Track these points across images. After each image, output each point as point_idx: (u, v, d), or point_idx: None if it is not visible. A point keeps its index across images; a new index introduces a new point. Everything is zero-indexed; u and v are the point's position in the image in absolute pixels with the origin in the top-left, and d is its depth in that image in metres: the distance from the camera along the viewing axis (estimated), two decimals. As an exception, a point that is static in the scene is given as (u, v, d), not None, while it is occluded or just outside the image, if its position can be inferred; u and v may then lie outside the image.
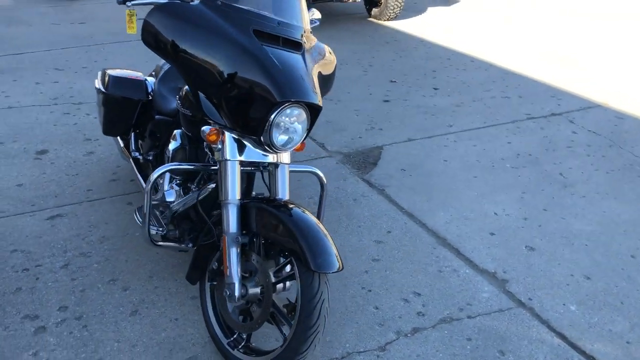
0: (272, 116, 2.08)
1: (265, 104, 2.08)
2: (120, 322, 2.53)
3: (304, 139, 2.26)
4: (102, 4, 8.81)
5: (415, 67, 6.14)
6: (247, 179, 2.51)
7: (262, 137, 2.13)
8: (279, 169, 2.33)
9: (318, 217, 2.71)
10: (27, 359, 2.32)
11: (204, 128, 2.18)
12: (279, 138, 2.16)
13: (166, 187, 2.74)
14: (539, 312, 2.67)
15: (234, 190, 2.19)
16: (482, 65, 6.27)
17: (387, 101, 5.19)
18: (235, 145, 2.21)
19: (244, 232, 2.22)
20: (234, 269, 2.15)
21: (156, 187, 2.72)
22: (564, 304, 2.73)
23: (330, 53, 2.59)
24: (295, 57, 2.21)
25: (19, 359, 2.32)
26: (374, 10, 8.15)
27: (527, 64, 6.30)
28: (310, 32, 2.50)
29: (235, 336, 2.33)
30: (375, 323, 2.57)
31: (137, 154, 3.16)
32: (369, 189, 3.69)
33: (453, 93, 5.41)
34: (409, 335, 2.51)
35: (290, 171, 2.54)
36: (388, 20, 8.00)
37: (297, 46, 2.27)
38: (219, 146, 2.21)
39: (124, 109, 3.16)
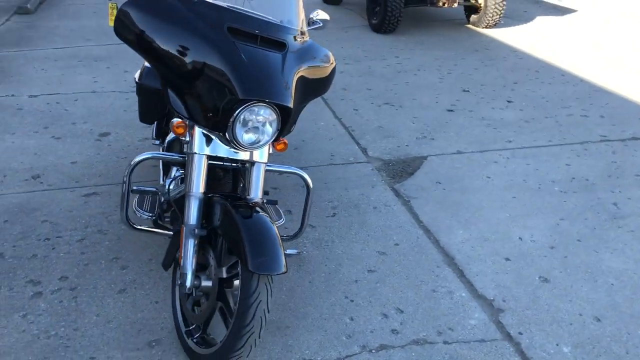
0: (235, 113, 2.11)
1: (229, 100, 2.11)
2: (106, 298, 2.69)
3: (274, 139, 2.26)
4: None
5: (497, 78, 5.84)
6: (234, 175, 2.56)
7: (226, 134, 2.17)
8: (254, 167, 2.35)
9: (302, 222, 2.70)
10: (16, 319, 2.55)
11: (172, 120, 2.26)
12: (246, 136, 2.18)
13: (172, 175, 2.86)
14: (524, 349, 2.46)
15: (198, 183, 2.25)
16: (572, 79, 5.83)
17: (450, 111, 5.00)
18: (204, 139, 2.26)
19: (205, 225, 2.27)
20: (188, 260, 2.21)
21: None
22: (557, 344, 2.49)
23: (326, 56, 2.56)
24: (271, 57, 2.22)
25: (9, 318, 2.55)
26: (473, 17, 7.86)
27: (624, 82, 5.76)
28: (303, 33, 2.49)
29: (193, 326, 2.38)
30: (343, 334, 2.51)
31: (156, 142, 3.32)
32: (393, 199, 3.59)
33: (526, 108, 5.09)
34: (373, 351, 2.43)
35: (272, 171, 2.56)
36: (486, 27, 7.68)
37: (279, 46, 2.27)
38: (187, 139, 2.28)
39: (153, 98, 3.33)
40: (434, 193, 3.68)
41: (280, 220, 2.86)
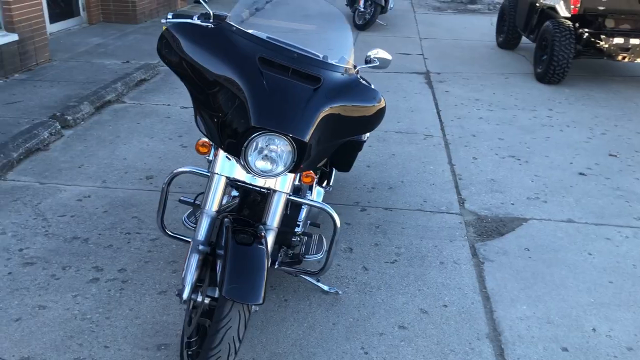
0: (247, 140, 2.17)
1: (243, 126, 2.17)
2: (146, 295, 2.90)
3: (293, 170, 2.25)
4: (383, 35, 9.51)
5: (659, 146, 5.11)
6: (261, 199, 2.60)
7: (240, 159, 2.23)
8: (275, 195, 2.38)
9: (326, 260, 2.65)
10: (68, 297, 2.86)
11: (199, 140, 2.38)
12: (258, 164, 2.22)
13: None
14: None
15: (212, 201, 2.34)
16: None
17: (582, 174, 4.49)
18: (226, 161, 2.34)
19: (212, 242, 2.35)
20: (189, 273, 2.30)
21: None
22: None
23: (373, 97, 2.50)
24: (299, 89, 2.23)
25: (63, 295, 2.87)
26: (660, 75, 6.97)
27: None
28: (354, 70, 2.47)
29: (194, 338, 2.46)
30: (340, 384, 2.40)
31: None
32: (467, 258, 3.33)
33: (680, 184, 4.38)
34: (360, 410, 2.28)
35: (298, 202, 2.56)
36: (675, 88, 6.76)
37: (313, 80, 2.28)
38: (210, 158, 2.38)
39: None
40: (516, 260, 3.33)
41: (317, 255, 2.83)
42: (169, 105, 5.74)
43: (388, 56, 2.78)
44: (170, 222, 3.52)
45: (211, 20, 2.43)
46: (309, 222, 3.04)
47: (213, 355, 2.09)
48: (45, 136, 4.68)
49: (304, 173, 2.48)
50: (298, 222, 2.89)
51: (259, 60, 2.25)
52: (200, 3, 2.45)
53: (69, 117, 5.05)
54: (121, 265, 3.13)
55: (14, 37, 6.37)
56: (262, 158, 2.22)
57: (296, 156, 2.22)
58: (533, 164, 4.64)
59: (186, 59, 2.31)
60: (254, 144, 2.18)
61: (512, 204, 3.98)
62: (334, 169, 3.52)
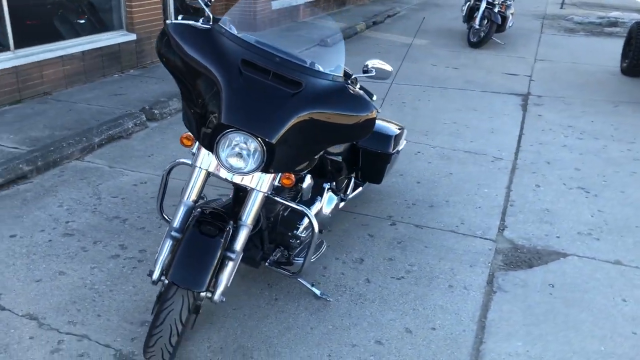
0: (218, 136, 2.28)
1: (215, 123, 2.29)
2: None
3: (259, 168, 2.31)
4: (496, 54, 9.18)
5: None
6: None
7: (213, 154, 2.35)
8: (252, 193, 2.48)
9: (302, 263, 2.69)
10: (86, 268, 3.16)
11: (184, 133, 2.54)
12: (231, 160, 2.32)
13: None
14: None
15: (190, 192, 2.48)
16: None
17: (656, 215, 4.05)
18: (208, 156, 2.47)
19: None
20: (161, 256, 2.45)
21: None
22: None
23: (360, 106, 2.51)
24: (275, 91, 2.29)
25: (83, 266, 3.18)
26: None
27: None
28: (353, 81, 2.50)
29: None
30: (290, 386, 2.42)
31: None
32: (480, 285, 3.17)
33: None
34: (299, 414, 2.29)
35: (278, 203, 2.63)
36: None
37: (294, 84, 2.33)
38: (194, 151, 2.52)
39: None
40: (533, 294, 3.11)
41: (316, 254, 2.89)
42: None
43: (387, 67, 2.75)
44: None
45: (210, 23, 2.57)
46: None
47: (155, 335, 2.22)
48: (130, 126, 5.16)
49: (284, 175, 2.54)
50: (298, 226, 2.95)
51: (242, 62, 2.35)
52: (201, 5, 2.60)
53: (156, 111, 5.51)
54: (144, 246, 3.38)
55: (133, 36, 7.07)
56: (235, 155, 2.32)
57: (264, 156, 2.28)
58: (602, 199, 4.27)
59: (176, 56, 2.46)
60: (226, 141, 2.28)
61: (558, 237, 3.70)
62: (352, 179, 3.53)
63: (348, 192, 3.49)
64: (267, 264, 2.85)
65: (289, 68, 2.37)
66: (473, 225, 3.80)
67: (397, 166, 4.67)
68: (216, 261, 2.26)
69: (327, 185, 3.22)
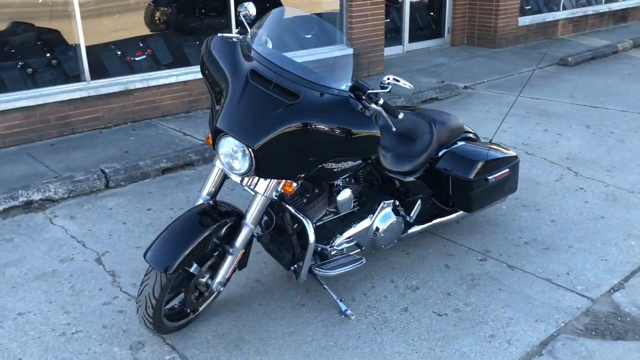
0: (216, 139, 2.52)
1: (212, 127, 2.53)
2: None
3: (249, 171, 2.45)
4: None
5: None
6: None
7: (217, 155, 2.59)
8: (257, 196, 2.65)
9: (299, 272, 2.74)
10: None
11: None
12: (224, 160, 2.53)
13: None
14: None
15: (204, 186, 2.75)
16: None
17: None
18: None
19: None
20: None
21: None
22: None
23: (361, 124, 2.47)
24: (270, 100, 2.42)
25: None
26: None
27: None
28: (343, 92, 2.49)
29: None
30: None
31: None
32: (529, 343, 2.71)
33: None
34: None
35: (284, 209, 2.73)
36: None
37: (293, 96, 2.44)
38: (214, 151, 2.77)
39: None
40: (590, 370, 2.54)
41: (329, 272, 2.88)
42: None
43: (406, 85, 2.58)
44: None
45: (241, 37, 2.77)
46: (353, 240, 3.05)
47: (137, 303, 2.55)
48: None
49: (286, 182, 2.61)
50: (337, 236, 2.97)
51: (250, 72, 2.52)
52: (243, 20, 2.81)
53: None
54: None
55: (350, 50, 7.57)
56: (232, 157, 2.50)
57: (252, 161, 2.42)
58: None
59: (207, 63, 2.74)
60: (218, 143, 2.49)
61: (686, 314, 2.90)
62: (419, 203, 3.31)
63: (412, 214, 3.30)
64: (291, 268, 2.93)
65: (289, 80, 2.45)
66: (579, 278, 3.22)
67: (537, 199, 4.16)
68: (194, 247, 2.46)
69: (383, 203, 3.13)
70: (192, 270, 2.65)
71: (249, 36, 2.71)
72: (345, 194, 2.93)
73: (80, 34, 5.49)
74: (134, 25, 6.01)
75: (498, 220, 3.89)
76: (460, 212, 3.50)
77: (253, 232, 2.69)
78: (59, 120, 5.40)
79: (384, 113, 2.66)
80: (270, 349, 2.70)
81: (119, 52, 5.92)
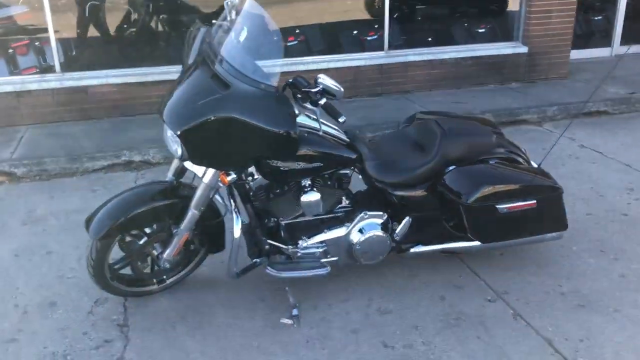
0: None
1: None
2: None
3: (182, 157, 2.52)
4: None
5: None
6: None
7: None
8: (201, 182, 2.70)
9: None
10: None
11: None
12: (169, 146, 2.63)
13: None
14: None
15: (170, 168, 2.86)
16: None
17: None
18: None
19: None
20: None
21: None
22: None
23: (282, 121, 2.42)
24: (206, 90, 2.45)
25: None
26: None
27: None
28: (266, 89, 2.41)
29: None
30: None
31: None
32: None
33: None
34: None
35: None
36: None
37: (225, 86, 2.45)
38: None
39: None
40: None
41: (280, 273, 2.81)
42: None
43: (336, 86, 2.39)
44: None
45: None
46: (324, 247, 2.88)
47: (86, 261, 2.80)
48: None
49: (221, 172, 2.60)
50: (303, 239, 2.87)
51: (201, 60, 2.56)
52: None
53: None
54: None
55: (524, 49, 6.84)
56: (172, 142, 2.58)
57: (181, 144, 2.49)
58: None
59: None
60: (164, 127, 2.59)
61: None
62: (407, 219, 2.93)
63: (397, 231, 2.94)
64: (254, 260, 2.90)
65: (225, 70, 2.44)
66: (590, 350, 2.56)
67: (624, 246, 3.35)
68: (127, 219, 2.62)
69: (364, 214, 2.89)
70: (141, 242, 2.82)
71: (215, 25, 2.72)
72: (309, 197, 2.78)
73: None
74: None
75: (550, 259, 3.26)
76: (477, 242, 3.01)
77: (196, 216, 2.73)
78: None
79: (317, 113, 2.49)
80: (206, 334, 2.73)
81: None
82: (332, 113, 2.48)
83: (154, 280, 3.00)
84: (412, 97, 6.40)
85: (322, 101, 2.48)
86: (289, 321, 2.78)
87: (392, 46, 6.60)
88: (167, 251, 2.81)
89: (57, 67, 5.75)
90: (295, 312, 2.83)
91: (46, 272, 3.25)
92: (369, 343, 2.65)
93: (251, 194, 2.79)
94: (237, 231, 2.67)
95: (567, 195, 3.89)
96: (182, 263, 3.04)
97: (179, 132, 2.42)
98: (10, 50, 5.90)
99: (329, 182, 2.86)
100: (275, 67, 2.47)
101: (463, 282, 3.10)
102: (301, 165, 2.66)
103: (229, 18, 2.66)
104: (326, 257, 2.91)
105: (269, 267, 2.84)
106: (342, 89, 2.51)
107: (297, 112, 2.54)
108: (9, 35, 5.88)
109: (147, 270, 2.94)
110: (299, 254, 2.88)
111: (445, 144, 2.86)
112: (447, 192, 2.85)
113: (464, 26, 7.08)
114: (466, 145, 2.91)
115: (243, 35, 2.52)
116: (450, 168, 2.88)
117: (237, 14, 2.64)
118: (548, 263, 3.23)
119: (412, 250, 3.03)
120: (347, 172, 2.89)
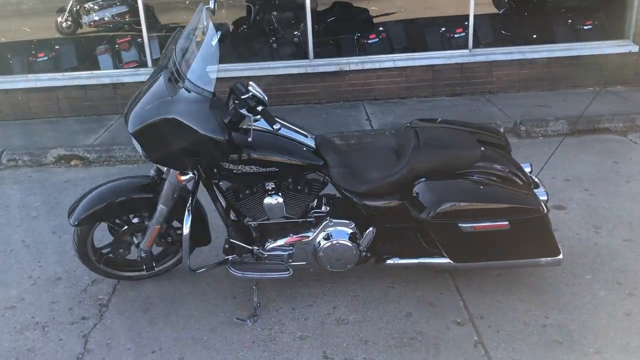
0: None
1: None
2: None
3: (144, 156, 2.70)
4: None
5: None
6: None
7: None
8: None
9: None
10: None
11: None
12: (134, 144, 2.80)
13: None
14: None
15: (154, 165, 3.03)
16: None
17: None
18: None
19: None
20: None
21: None
22: None
23: (213, 132, 2.49)
24: (159, 91, 2.60)
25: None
26: None
27: None
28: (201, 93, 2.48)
29: None
30: None
31: None
32: None
33: None
34: None
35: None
36: None
37: (174, 89, 2.58)
38: None
39: None
40: None
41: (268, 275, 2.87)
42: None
43: (260, 94, 2.37)
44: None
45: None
46: (291, 250, 2.88)
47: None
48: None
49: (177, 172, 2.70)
50: (270, 241, 2.91)
51: (165, 65, 2.69)
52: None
53: (522, 128, 5.04)
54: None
55: (635, 48, 6.11)
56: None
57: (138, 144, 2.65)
58: None
59: None
60: None
61: None
62: (371, 230, 2.79)
63: (362, 243, 2.81)
64: (228, 257, 2.97)
65: (177, 75, 2.54)
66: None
67: (630, 267, 2.91)
68: (102, 208, 2.82)
69: (329, 221, 2.83)
70: (122, 230, 3.02)
71: (184, 30, 2.81)
72: (271, 200, 2.78)
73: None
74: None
75: (551, 286, 2.93)
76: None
77: (164, 211, 2.86)
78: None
79: (251, 120, 2.49)
80: (168, 322, 2.86)
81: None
82: (268, 120, 2.47)
83: (143, 267, 3.19)
84: (492, 99, 6.02)
85: (259, 107, 2.48)
86: (243, 320, 2.82)
87: (477, 44, 6.25)
88: (143, 242, 2.98)
89: (149, 62, 6.27)
90: (254, 311, 2.86)
91: (68, 250, 3.59)
92: (310, 352, 2.61)
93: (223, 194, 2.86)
94: (185, 229, 2.75)
95: (612, 217, 3.49)
96: (171, 252, 3.20)
97: (131, 132, 2.57)
98: (117, 46, 6.59)
99: (298, 187, 2.84)
100: (213, 73, 2.50)
101: (441, 300, 2.90)
102: (254, 169, 2.67)
103: (197, 24, 2.76)
104: (293, 261, 2.90)
105: (230, 267, 2.89)
106: (266, 97, 2.52)
107: (251, 116, 2.55)
108: (112, 32, 6.61)
109: (130, 257, 3.13)
110: (265, 255, 2.90)
111: (416, 155, 2.70)
112: (409, 205, 2.69)
113: (567, 23, 6.49)
114: (439, 157, 2.71)
115: (199, 41, 2.59)
116: (420, 180, 2.71)
117: (206, 19, 2.72)
118: (545, 290, 2.91)
119: (387, 261, 2.90)
120: (319, 177, 2.85)
